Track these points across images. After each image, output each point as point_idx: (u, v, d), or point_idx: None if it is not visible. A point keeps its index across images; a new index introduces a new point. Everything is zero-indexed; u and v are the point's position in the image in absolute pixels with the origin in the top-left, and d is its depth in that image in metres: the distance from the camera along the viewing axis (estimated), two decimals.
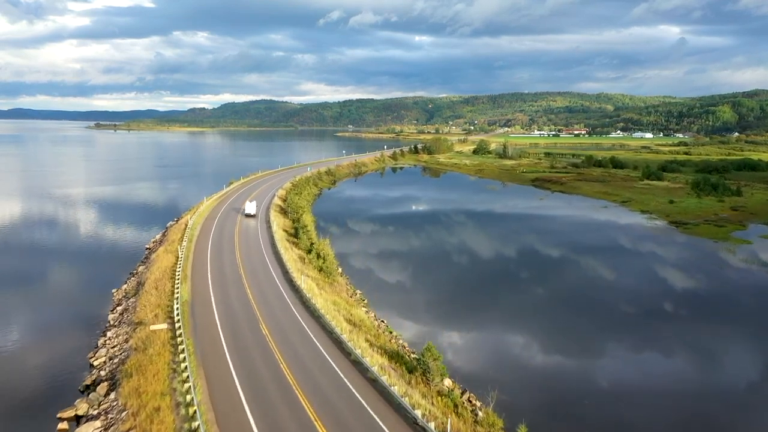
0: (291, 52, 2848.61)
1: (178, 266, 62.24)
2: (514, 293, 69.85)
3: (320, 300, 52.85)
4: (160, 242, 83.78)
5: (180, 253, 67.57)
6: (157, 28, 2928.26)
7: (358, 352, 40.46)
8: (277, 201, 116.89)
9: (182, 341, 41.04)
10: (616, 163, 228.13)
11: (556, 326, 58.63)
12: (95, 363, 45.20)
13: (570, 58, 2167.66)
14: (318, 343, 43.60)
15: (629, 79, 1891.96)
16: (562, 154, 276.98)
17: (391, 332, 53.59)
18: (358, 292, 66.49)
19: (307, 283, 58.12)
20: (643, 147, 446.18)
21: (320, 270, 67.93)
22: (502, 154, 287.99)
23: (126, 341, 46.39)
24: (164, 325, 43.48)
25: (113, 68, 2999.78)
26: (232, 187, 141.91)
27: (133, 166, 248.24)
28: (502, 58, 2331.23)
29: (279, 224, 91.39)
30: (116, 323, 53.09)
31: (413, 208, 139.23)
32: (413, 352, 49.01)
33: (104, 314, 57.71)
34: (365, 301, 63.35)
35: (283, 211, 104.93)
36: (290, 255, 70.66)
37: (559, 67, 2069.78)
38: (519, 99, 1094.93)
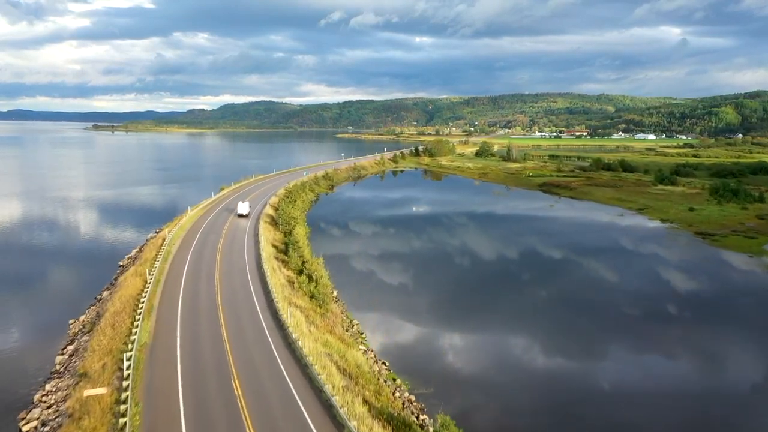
0: (291, 53, 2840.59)
1: (144, 294, 52.97)
2: (538, 305, 60.68)
3: (309, 342, 43.56)
4: (134, 259, 74.51)
5: (149, 277, 58.25)
6: (157, 29, 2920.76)
7: (353, 425, 31.20)
8: (268, 210, 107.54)
9: (126, 410, 31.77)
10: (626, 167, 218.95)
11: (605, 354, 49.49)
12: (24, 429, 35.93)
13: (571, 59, 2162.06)
14: (304, 410, 34.31)
15: (630, 80, 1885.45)
16: (567, 157, 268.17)
17: (395, 380, 44.38)
18: (356, 323, 57.25)
19: (295, 316, 48.84)
20: (648, 149, 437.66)
21: (312, 297, 58.67)
22: (506, 157, 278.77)
23: (64, 400, 37.14)
24: (103, 390, 34.12)
25: (113, 69, 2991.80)
26: (222, 193, 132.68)
27: (123, 169, 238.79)
28: (503, 59, 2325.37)
29: (268, 238, 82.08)
30: (62, 370, 43.83)
31: (414, 210, 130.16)
32: (423, 410, 39.87)
33: (53, 353, 48.48)
34: (363, 336, 54.15)
35: (275, 223, 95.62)
36: (277, 279, 61.37)
37: (559, 68, 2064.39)
38: (519, 100, 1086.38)
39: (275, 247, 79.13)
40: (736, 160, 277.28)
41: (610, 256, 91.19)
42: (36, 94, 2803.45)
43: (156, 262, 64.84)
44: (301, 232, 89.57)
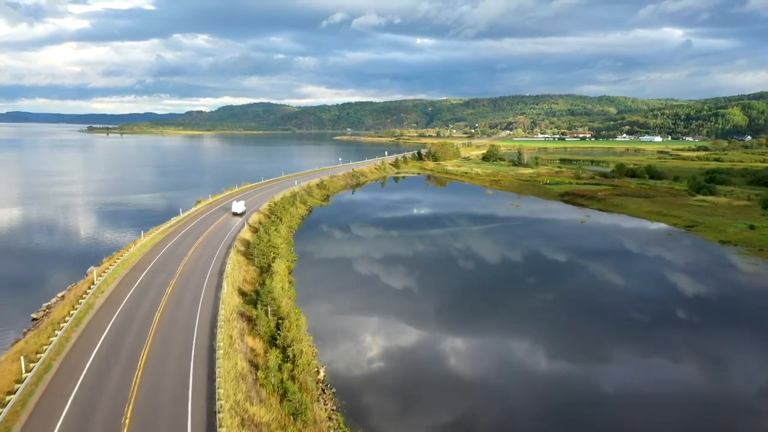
0: (292, 54, 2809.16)
1: (11, 397, 32.28)
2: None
3: None
4: (38, 323, 53.60)
5: (32, 365, 37.50)
6: (157, 30, 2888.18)
7: None
8: (245, 234, 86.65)
9: None
10: (653, 173, 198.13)
11: None
12: None
13: (572, 60, 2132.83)
14: None
15: (631, 81, 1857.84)
16: (581, 161, 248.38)
17: None
18: None
19: None
20: (661, 152, 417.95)
21: (283, 395, 37.88)
22: (517, 162, 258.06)
23: None
24: None
25: (113, 71, 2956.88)
26: (197, 207, 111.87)
27: (92, 177, 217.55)
28: (504, 60, 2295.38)
29: (235, 281, 61.28)
30: None
31: (423, 233, 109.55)
32: None
33: None
34: None
35: (249, 255, 74.71)
36: (233, 362, 40.46)
37: (561, 70, 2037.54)
38: (520, 102, 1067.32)
39: (243, 294, 58.26)
40: (766, 165, 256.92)
41: (698, 305, 70.39)
42: (35, 96, 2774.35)
43: (57, 331, 44.03)
44: (281, 268, 68.71)
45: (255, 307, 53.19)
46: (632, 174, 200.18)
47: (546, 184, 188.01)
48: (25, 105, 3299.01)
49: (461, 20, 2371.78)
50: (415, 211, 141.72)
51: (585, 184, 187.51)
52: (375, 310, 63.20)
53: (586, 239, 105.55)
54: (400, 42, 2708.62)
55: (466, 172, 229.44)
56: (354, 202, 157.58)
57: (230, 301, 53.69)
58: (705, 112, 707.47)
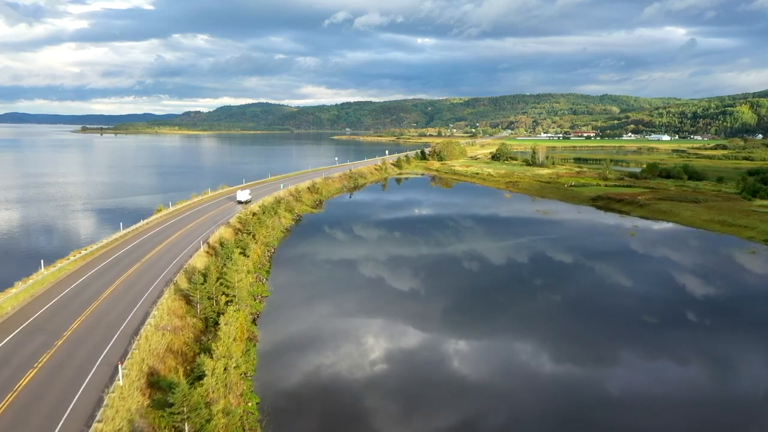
0: (292, 54, 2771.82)
1: None
2: None
3: None
4: None
5: None
6: (156, 30, 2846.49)
7: None
8: (197, 261, 62.60)
9: None
10: (692, 173, 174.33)
11: None
12: None
13: (575, 60, 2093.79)
14: None
15: (633, 81, 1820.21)
16: (604, 160, 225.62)
17: None
18: None
19: None
20: (676, 151, 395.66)
21: None
22: (532, 161, 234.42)
23: None
24: None
25: (113, 72, 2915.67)
26: (150, 220, 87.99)
27: (54, 180, 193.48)
28: (506, 60, 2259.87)
29: (152, 353, 37.45)
30: None
31: (436, 250, 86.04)
32: None
33: None
34: None
35: (191, 302, 50.50)
36: None
37: (562, 70, 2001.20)
38: (521, 101, 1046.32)
39: (157, 388, 34.37)
40: None
41: None
42: (34, 97, 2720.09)
43: None
44: (238, 319, 44.81)
45: (172, 415, 29.31)
46: (667, 174, 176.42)
47: (571, 186, 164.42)
48: (24, 106, 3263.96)
49: (464, 19, 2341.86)
50: (418, 211, 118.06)
51: (615, 186, 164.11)
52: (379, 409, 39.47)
53: (649, 262, 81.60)
54: (401, 42, 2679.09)
55: (477, 173, 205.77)
56: (351, 208, 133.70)
57: (131, 400, 29.87)
58: (712, 111, 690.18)
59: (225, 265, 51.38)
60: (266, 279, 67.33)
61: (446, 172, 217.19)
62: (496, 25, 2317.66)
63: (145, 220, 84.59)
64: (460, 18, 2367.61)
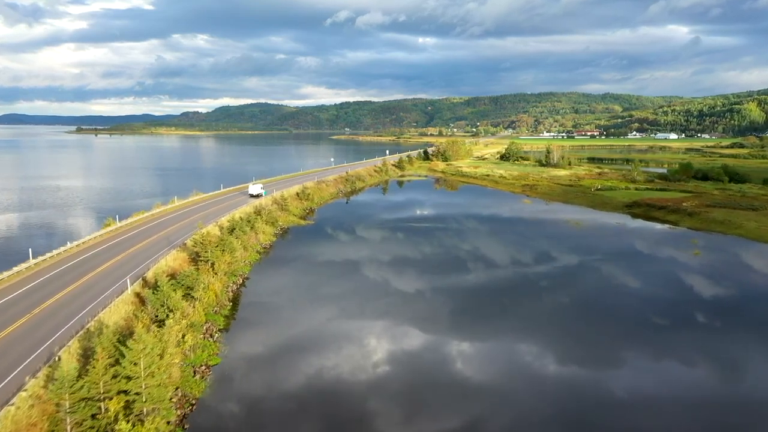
0: (293, 54, 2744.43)
1: None
2: None
3: None
4: None
5: None
6: (156, 30, 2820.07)
7: None
8: (109, 318, 42.91)
9: None
10: (733, 175, 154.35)
11: None
12: None
13: (577, 59, 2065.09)
14: None
15: (635, 80, 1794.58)
16: (633, 160, 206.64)
17: None
18: None
19: None
20: (690, 149, 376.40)
21: None
22: (546, 162, 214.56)
23: None
24: None
25: (112, 72, 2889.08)
26: (86, 239, 68.34)
27: (20, 185, 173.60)
28: (507, 59, 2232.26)
29: None
30: None
31: (451, 263, 66.44)
32: None
33: None
34: None
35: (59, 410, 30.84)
36: None
37: (564, 69, 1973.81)
38: (522, 100, 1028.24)
39: None
40: None
41: None
42: (34, 98, 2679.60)
43: None
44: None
45: None
46: (704, 176, 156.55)
47: (598, 190, 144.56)
48: (23, 107, 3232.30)
49: (468, 18, 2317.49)
50: (427, 218, 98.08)
51: (647, 189, 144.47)
52: None
53: (739, 303, 61.94)
54: (401, 41, 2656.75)
55: (488, 174, 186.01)
56: (348, 218, 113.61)
57: None
58: (719, 109, 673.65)
59: (127, 342, 31.12)
60: (221, 330, 47.65)
61: (453, 174, 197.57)
62: (500, 23, 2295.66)
63: (74, 243, 64.64)
64: (464, 16, 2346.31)
